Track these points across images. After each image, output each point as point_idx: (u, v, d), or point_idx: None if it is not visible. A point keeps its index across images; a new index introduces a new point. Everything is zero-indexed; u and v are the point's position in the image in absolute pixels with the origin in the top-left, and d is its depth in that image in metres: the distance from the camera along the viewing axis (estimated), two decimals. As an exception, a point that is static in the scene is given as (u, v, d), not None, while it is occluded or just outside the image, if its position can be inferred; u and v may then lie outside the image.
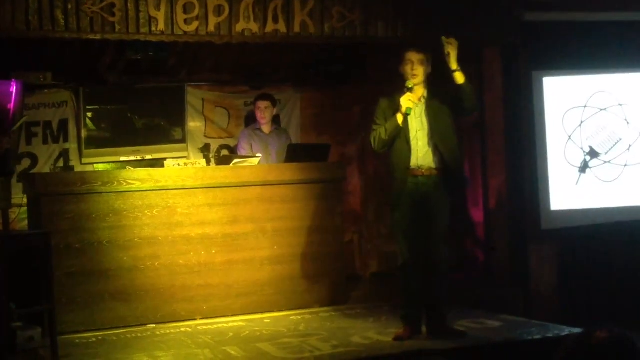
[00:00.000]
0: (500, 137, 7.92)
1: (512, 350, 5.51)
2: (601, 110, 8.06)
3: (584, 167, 8.00)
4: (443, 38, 5.50)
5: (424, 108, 5.60)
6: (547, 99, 7.95)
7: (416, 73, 5.55)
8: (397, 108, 5.56)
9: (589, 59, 8.02)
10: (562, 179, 7.95)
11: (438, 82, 5.68)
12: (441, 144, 5.56)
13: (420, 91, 5.62)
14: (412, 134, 5.54)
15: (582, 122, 8.01)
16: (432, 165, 5.55)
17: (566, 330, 5.66)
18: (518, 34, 7.65)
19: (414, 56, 5.57)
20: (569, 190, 7.97)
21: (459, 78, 5.48)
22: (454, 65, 5.47)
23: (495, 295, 7.24)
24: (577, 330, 5.45)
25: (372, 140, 5.62)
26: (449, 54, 5.47)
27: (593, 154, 8.00)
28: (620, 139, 8.07)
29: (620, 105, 8.10)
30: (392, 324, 5.96)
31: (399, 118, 5.50)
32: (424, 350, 5.29)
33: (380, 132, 5.56)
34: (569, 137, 7.98)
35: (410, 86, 5.51)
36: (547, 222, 7.88)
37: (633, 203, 8.07)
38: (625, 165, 8.09)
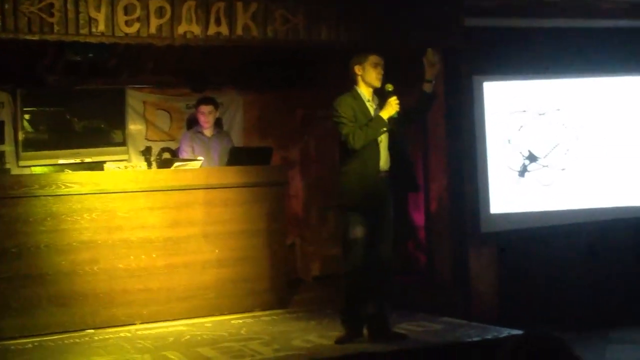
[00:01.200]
0: (441, 141, 7.99)
1: (453, 352, 5.55)
2: (540, 114, 8.19)
3: (523, 171, 8.12)
4: (430, 50, 5.58)
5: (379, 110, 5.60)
6: (487, 103, 8.05)
7: (381, 76, 5.59)
8: (359, 106, 5.56)
9: (527, 65, 8.15)
10: (502, 183, 8.06)
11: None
12: (403, 146, 5.65)
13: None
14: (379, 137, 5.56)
15: (521, 127, 8.13)
16: (387, 167, 5.60)
17: (505, 332, 5.72)
18: (459, 39, 7.72)
19: (379, 60, 5.62)
20: (509, 193, 8.08)
21: (429, 88, 5.64)
22: (431, 75, 5.62)
23: (436, 298, 7.30)
24: (516, 331, 5.54)
25: (356, 138, 5.43)
26: (433, 65, 5.56)
27: (532, 158, 8.12)
28: (558, 143, 8.21)
29: (558, 110, 8.24)
30: (334, 327, 5.92)
31: (385, 117, 5.48)
32: (365, 353, 5.31)
33: (367, 132, 5.44)
34: (509, 141, 8.09)
35: (391, 89, 5.52)
36: (487, 225, 7.98)
37: (570, 206, 8.21)
38: (563, 169, 8.22)
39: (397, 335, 5.68)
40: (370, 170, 5.52)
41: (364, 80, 5.62)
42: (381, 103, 5.58)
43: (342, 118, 5.52)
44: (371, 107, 5.61)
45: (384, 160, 5.58)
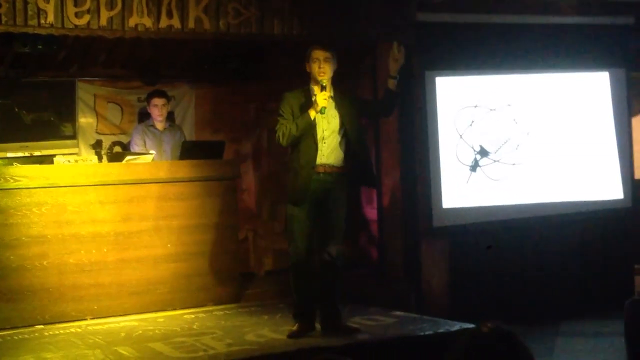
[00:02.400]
0: (393, 135, 8.01)
1: (405, 346, 5.59)
2: (491, 110, 8.25)
3: (474, 166, 8.17)
4: (396, 44, 5.60)
5: (333, 106, 5.63)
6: (439, 98, 8.08)
7: (324, 71, 5.58)
8: (304, 103, 5.59)
9: (479, 60, 8.21)
10: (454, 178, 8.11)
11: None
12: (354, 141, 5.66)
13: (328, 89, 5.63)
14: (319, 133, 5.57)
15: (472, 122, 8.19)
16: (337, 163, 5.63)
17: (457, 326, 5.77)
18: (411, 34, 7.75)
19: (320, 54, 5.60)
20: (460, 188, 8.13)
21: (393, 84, 5.67)
22: (395, 71, 5.64)
23: (389, 292, 7.33)
24: (467, 325, 5.59)
25: (281, 135, 5.55)
26: (396, 60, 5.59)
27: (483, 152, 8.18)
28: (509, 139, 8.29)
29: (509, 105, 8.31)
30: (287, 321, 5.96)
31: (312, 114, 5.51)
32: (317, 347, 5.31)
33: (290, 128, 5.51)
34: (460, 136, 8.14)
35: (324, 84, 5.54)
36: (439, 220, 8.02)
37: (521, 201, 8.29)
38: (514, 164, 8.30)
39: (350, 329, 5.71)
40: (304, 165, 5.57)
41: (311, 76, 5.67)
42: (339, 97, 5.62)
43: (279, 116, 5.63)
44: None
45: (329, 156, 5.60)
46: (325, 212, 5.61)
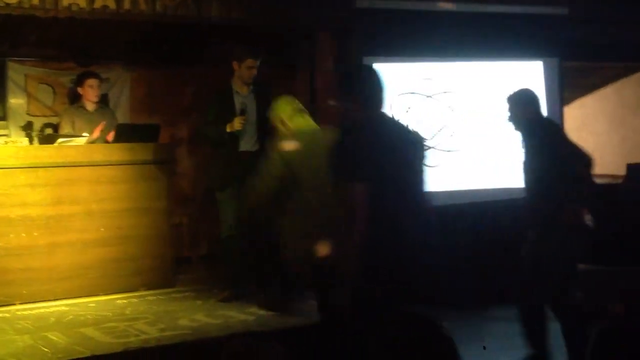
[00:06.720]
0: (330, 121, 8.00)
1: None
2: (427, 97, 8.31)
3: (410, 152, 8.21)
4: None
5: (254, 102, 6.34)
6: (377, 84, 8.10)
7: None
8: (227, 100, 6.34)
9: (416, 47, 8.25)
10: (390, 164, 8.13)
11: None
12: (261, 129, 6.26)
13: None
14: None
15: (409, 108, 8.22)
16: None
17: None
18: (350, 19, 7.76)
19: (254, 63, 6.29)
20: (396, 174, 8.16)
21: None
22: None
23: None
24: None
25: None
26: None
27: (419, 139, 8.23)
28: (445, 126, 8.35)
29: (445, 92, 8.38)
30: (221, 306, 6.02)
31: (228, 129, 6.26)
32: (251, 332, 5.31)
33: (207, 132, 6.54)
34: (397, 122, 8.17)
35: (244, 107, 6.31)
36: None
37: (454, 188, 8.37)
38: (449, 151, 8.38)
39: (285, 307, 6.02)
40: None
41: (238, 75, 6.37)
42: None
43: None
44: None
45: (250, 142, 6.32)
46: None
